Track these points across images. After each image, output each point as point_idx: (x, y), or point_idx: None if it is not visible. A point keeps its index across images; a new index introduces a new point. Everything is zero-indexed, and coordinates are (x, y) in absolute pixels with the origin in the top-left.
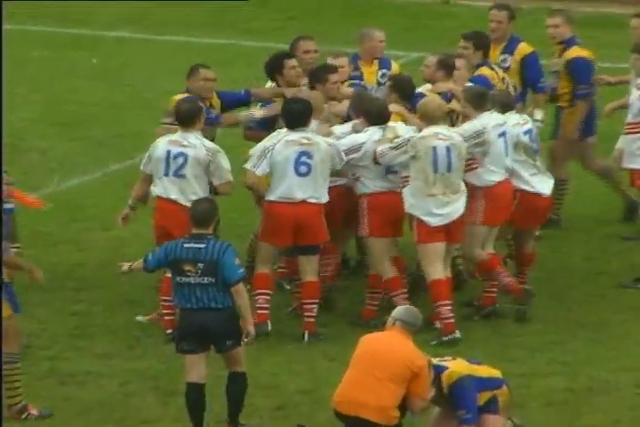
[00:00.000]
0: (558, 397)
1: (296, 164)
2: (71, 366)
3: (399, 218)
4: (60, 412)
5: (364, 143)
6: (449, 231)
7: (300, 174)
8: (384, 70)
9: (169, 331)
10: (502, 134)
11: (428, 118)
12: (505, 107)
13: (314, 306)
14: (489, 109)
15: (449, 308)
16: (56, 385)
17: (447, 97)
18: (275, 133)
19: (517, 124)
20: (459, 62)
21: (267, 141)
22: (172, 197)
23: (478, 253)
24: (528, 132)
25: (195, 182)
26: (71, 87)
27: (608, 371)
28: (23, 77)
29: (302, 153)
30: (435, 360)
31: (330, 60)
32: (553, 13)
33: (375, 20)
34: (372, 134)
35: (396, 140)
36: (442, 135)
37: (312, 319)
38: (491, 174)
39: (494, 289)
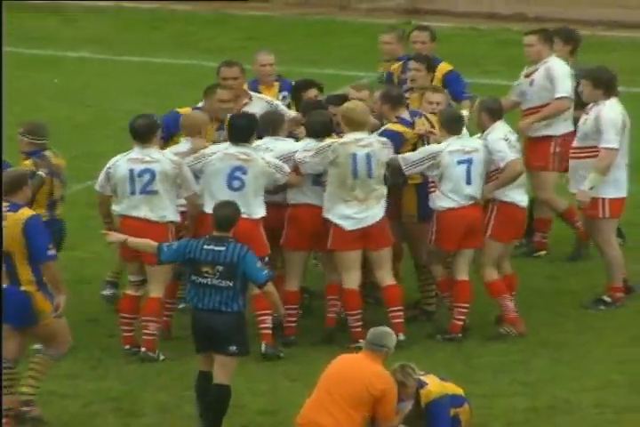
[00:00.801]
0: (520, 417)
1: (229, 178)
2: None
3: (316, 232)
4: None
5: (295, 152)
6: (367, 238)
7: (232, 189)
8: (284, 93)
9: (127, 347)
10: (465, 161)
11: (352, 124)
12: (494, 114)
13: (268, 317)
14: (458, 134)
15: (357, 317)
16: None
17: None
18: (220, 145)
19: (508, 133)
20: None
21: (208, 149)
22: (141, 214)
23: (436, 270)
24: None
25: (165, 197)
26: (34, 107)
27: (570, 391)
28: None
29: (237, 168)
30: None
31: (352, 94)
32: (387, 31)
33: (336, 40)
34: (305, 144)
35: (317, 147)
36: (362, 142)
37: (268, 331)
38: (443, 200)
39: (462, 317)
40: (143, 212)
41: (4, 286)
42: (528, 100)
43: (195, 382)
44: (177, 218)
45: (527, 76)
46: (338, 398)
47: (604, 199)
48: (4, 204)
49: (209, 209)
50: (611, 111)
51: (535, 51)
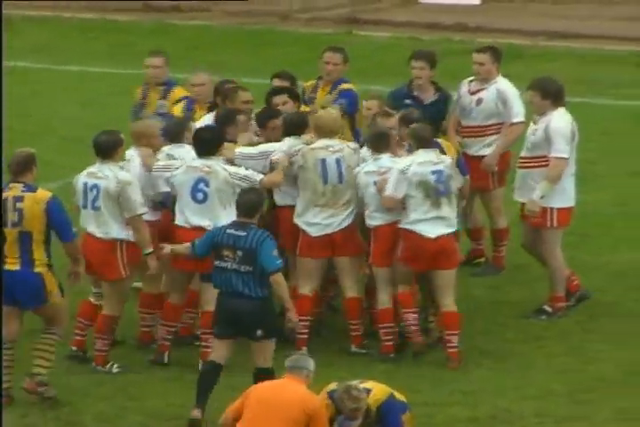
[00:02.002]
0: (461, 426)
1: (193, 190)
2: None
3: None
4: None
5: (272, 152)
6: (334, 245)
7: (196, 201)
8: (162, 101)
9: (74, 348)
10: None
11: (322, 131)
12: (421, 141)
13: (209, 336)
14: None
15: (305, 324)
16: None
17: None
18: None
19: (427, 162)
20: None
21: (176, 161)
22: (90, 229)
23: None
24: (437, 172)
25: (108, 215)
26: None
27: (510, 400)
28: None
29: (199, 180)
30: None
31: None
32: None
33: (276, 50)
34: (281, 144)
35: (290, 151)
36: (332, 148)
37: (208, 349)
38: (369, 218)
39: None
40: (91, 227)
41: (17, 268)
42: (472, 118)
43: (200, 370)
44: (123, 236)
45: (473, 93)
46: (275, 421)
47: (552, 209)
48: (19, 185)
49: (178, 221)
50: (560, 121)
51: (485, 69)
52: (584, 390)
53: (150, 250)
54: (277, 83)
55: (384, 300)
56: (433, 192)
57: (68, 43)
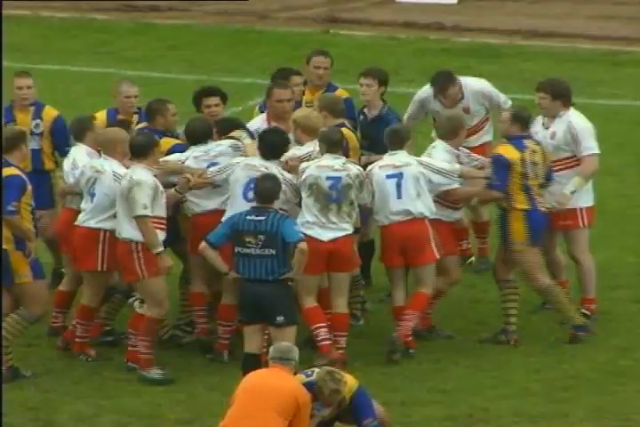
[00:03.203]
0: (438, 425)
1: (245, 188)
2: None
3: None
4: None
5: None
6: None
7: (247, 200)
8: (37, 120)
9: (130, 363)
10: (394, 176)
11: (313, 131)
12: (330, 145)
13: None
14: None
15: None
16: None
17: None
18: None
19: (327, 166)
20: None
21: (235, 159)
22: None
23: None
24: (333, 178)
25: (121, 215)
26: None
27: (487, 399)
28: None
29: (253, 180)
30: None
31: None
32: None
33: (256, 49)
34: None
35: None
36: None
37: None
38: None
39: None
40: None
41: None
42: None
43: (242, 363)
44: (137, 237)
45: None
46: (265, 407)
47: (581, 209)
48: None
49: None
50: (581, 120)
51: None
52: (560, 388)
53: (159, 250)
54: (298, 80)
55: (399, 298)
56: (323, 197)
57: (47, 42)
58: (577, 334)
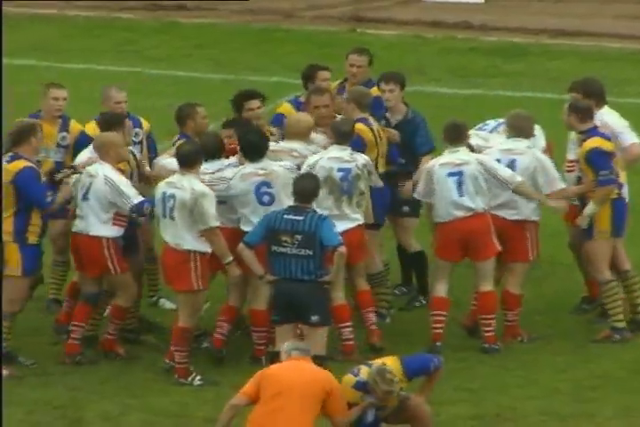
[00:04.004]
0: (465, 424)
1: (257, 195)
2: None
3: None
4: None
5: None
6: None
7: (263, 204)
8: (64, 133)
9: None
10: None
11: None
12: (339, 136)
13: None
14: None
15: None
16: None
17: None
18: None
19: (337, 158)
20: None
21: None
22: (166, 238)
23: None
24: (344, 170)
25: (181, 225)
26: None
27: (515, 398)
28: None
29: (261, 184)
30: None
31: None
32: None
33: (282, 48)
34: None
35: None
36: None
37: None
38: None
39: (490, 328)
40: (167, 236)
41: None
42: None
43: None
44: (196, 247)
45: None
46: (293, 401)
47: None
48: (7, 155)
49: (247, 228)
50: (612, 115)
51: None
52: (588, 388)
53: (229, 259)
54: (325, 75)
55: (440, 289)
56: (336, 189)
57: (72, 41)
58: (612, 336)
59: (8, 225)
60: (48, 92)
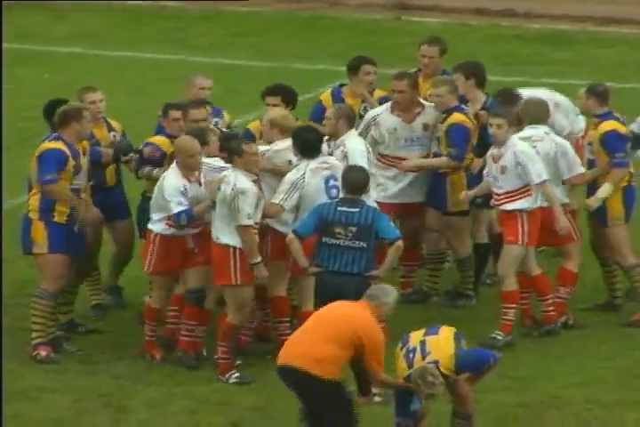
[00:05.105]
0: (509, 412)
1: (327, 189)
2: (23, 382)
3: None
4: None
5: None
6: None
7: (332, 198)
8: (113, 132)
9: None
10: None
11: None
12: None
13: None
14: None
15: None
16: (6, 401)
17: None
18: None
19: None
20: (440, 90)
21: (294, 174)
22: (212, 232)
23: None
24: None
25: (220, 220)
26: (22, 103)
27: (559, 386)
28: None
29: (328, 178)
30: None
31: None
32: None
33: (326, 36)
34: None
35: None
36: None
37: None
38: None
39: (551, 307)
40: (212, 229)
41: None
42: None
43: None
44: (233, 242)
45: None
46: (320, 330)
47: None
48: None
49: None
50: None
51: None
52: (633, 376)
53: (257, 260)
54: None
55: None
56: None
57: (117, 29)
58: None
59: (34, 202)
60: (84, 97)
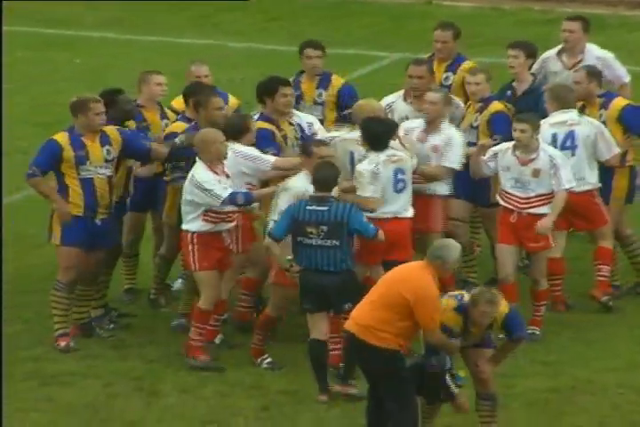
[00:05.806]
0: (540, 397)
1: (394, 182)
2: (55, 367)
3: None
4: (43, 413)
5: None
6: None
7: (397, 191)
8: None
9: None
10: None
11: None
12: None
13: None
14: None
15: None
16: (39, 386)
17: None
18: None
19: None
20: (478, 78)
21: (367, 165)
22: None
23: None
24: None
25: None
26: (54, 88)
27: (592, 371)
28: (6, 78)
29: (397, 170)
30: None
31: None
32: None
33: (357, 20)
34: None
35: None
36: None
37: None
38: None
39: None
40: None
41: None
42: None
43: (308, 350)
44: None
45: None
46: (374, 296)
47: None
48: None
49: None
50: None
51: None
52: None
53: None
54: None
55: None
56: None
57: (150, 15)
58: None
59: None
60: (150, 78)
